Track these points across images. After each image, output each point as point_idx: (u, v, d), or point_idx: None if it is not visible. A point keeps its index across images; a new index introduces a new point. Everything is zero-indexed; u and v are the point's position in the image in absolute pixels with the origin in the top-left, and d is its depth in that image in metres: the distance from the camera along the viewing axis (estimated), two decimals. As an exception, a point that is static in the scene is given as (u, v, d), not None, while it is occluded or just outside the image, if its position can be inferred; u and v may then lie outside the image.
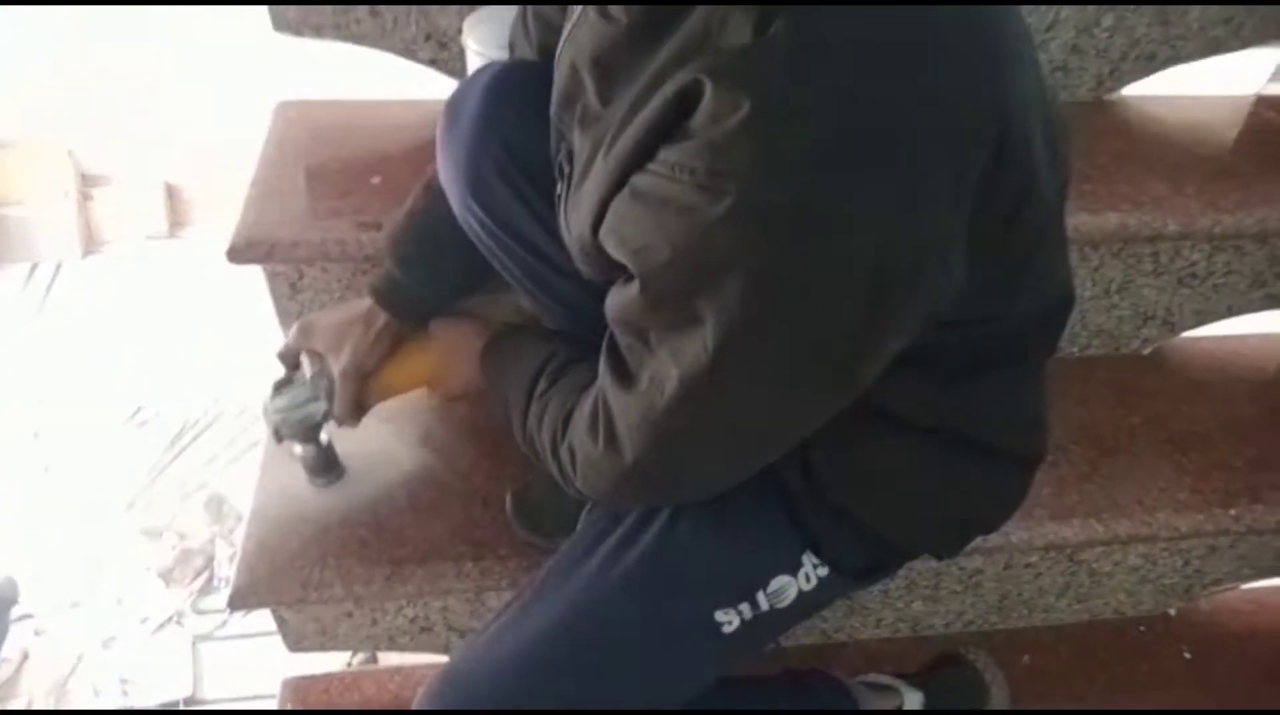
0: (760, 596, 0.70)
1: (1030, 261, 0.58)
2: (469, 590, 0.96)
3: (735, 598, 0.71)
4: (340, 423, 0.91)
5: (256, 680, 3.89)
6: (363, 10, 1.09)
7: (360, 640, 1.02)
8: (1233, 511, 1.07)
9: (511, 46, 0.85)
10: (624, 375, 0.56)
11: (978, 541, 0.92)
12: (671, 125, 0.48)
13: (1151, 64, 1.29)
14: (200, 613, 4.03)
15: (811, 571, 0.71)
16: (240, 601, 0.90)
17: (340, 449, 0.99)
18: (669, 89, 0.48)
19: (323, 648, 1.01)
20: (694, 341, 0.50)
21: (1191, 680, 1.19)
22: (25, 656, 3.67)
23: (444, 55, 1.14)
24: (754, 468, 0.62)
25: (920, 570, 1.08)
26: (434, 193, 0.86)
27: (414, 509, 0.98)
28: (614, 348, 0.58)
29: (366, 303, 0.90)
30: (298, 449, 0.95)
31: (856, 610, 1.13)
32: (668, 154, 0.48)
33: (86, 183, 5.11)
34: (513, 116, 0.74)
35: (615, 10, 0.54)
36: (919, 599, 1.13)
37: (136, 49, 4.27)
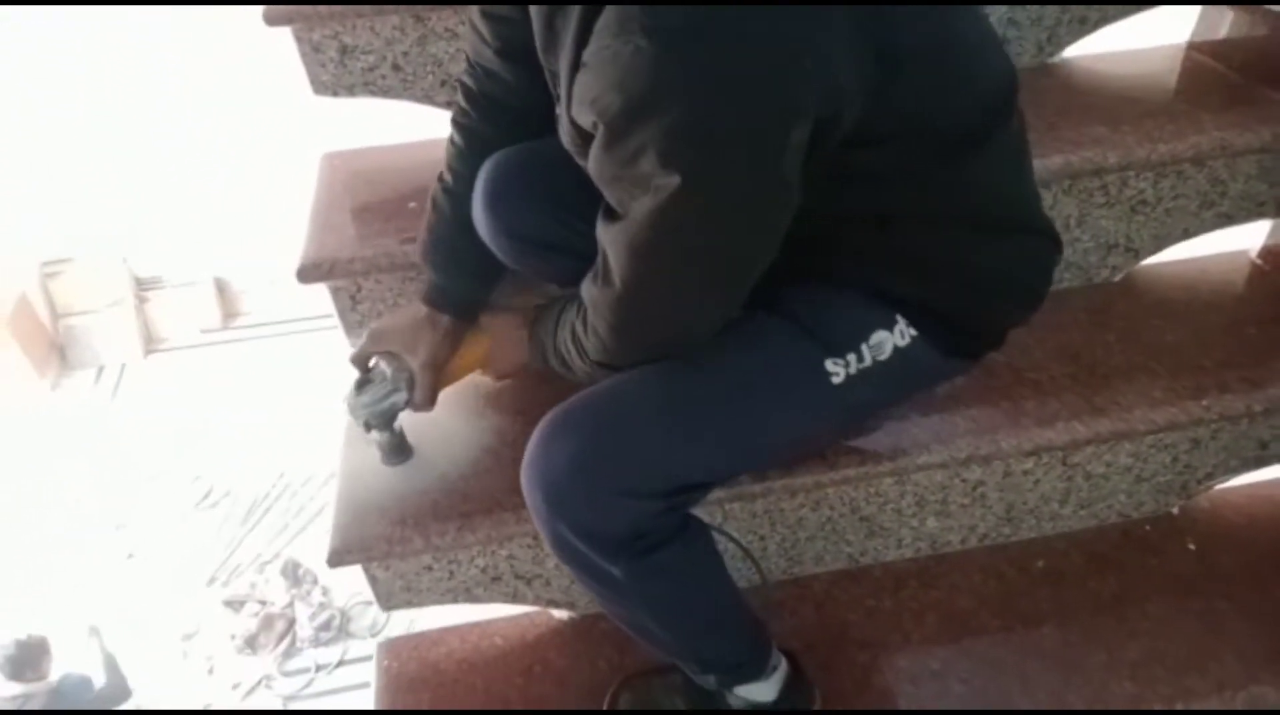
0: (864, 348, 0.85)
1: (947, 63, 0.75)
2: (529, 534, 1.11)
3: (841, 349, 0.85)
4: (419, 409, 1.08)
5: (351, 729, 4.00)
6: (387, 67, 1.29)
7: (441, 594, 1.16)
8: (1204, 402, 1.18)
9: (468, 60, 1.02)
10: (610, 214, 0.72)
11: (972, 447, 1.06)
12: (597, 9, 0.64)
13: (1084, 26, 1.44)
14: (287, 675, 4.21)
15: (905, 330, 0.86)
16: (337, 560, 1.05)
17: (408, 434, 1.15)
18: None
19: (409, 604, 1.16)
20: (646, 163, 0.65)
21: (1199, 572, 1.28)
22: (130, 730, 3.83)
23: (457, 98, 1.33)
24: (733, 289, 0.77)
25: (927, 486, 1.21)
26: (438, 207, 1.04)
27: (475, 473, 1.14)
28: (607, 202, 0.73)
29: (423, 309, 1.06)
30: (376, 436, 1.11)
31: (877, 532, 1.25)
32: (600, 26, 0.64)
33: (141, 287, 5.47)
34: (506, 206, 0.98)
35: None
36: (931, 515, 1.25)
37: (176, 156, 4.62)
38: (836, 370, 0.85)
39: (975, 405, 1.17)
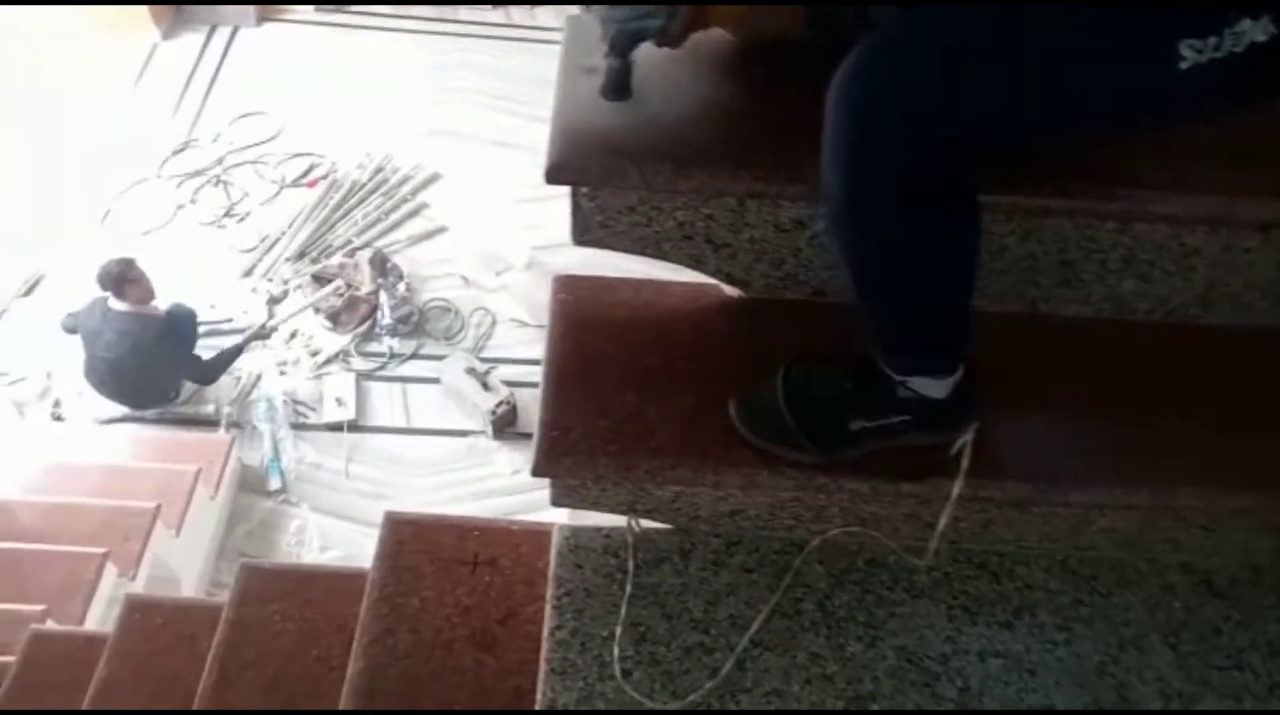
0: (1226, 33, 0.78)
1: None
2: (739, 195, 1.09)
3: (1204, 30, 0.78)
4: (664, 42, 1.03)
5: (413, 416, 4.30)
6: None
7: (633, 241, 1.16)
8: None
9: None
10: None
11: (1211, 206, 1.05)
12: None
13: None
14: (363, 355, 4.45)
15: (1268, 25, 0.78)
16: (555, 176, 1.05)
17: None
18: None
19: (600, 243, 1.17)
20: None
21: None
22: (214, 373, 4.10)
23: None
24: None
25: (1145, 240, 1.16)
26: None
27: (693, 126, 1.11)
28: None
29: None
30: (607, 63, 1.06)
31: (1071, 281, 1.22)
32: None
33: (260, -51, 5.26)
34: None
35: None
36: (1132, 276, 1.21)
37: None
38: (1188, 54, 0.78)
39: (1226, 170, 1.10)
